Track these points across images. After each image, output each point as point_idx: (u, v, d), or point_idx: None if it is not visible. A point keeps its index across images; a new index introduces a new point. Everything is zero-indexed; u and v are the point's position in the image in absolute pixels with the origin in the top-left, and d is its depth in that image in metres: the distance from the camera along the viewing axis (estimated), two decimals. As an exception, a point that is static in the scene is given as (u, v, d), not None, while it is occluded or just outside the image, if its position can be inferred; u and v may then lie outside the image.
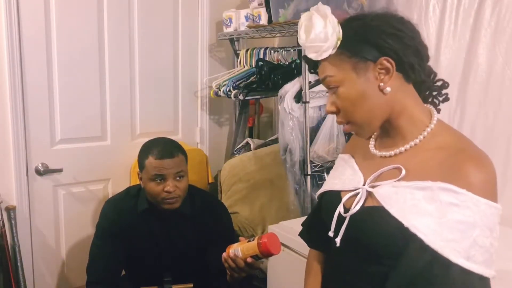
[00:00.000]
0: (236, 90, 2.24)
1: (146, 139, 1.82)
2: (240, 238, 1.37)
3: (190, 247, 1.79)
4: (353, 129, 0.97)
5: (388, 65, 0.89)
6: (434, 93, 1.01)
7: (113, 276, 1.78)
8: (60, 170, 2.15)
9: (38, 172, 2.11)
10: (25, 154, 2.06)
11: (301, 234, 1.21)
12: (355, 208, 0.93)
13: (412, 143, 0.93)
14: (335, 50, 0.91)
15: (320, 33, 0.91)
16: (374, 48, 0.90)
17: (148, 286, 1.71)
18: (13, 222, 2.04)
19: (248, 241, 1.29)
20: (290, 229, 1.65)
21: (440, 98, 1.01)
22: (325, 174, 2.05)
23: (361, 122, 0.94)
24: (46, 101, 2.10)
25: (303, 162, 1.98)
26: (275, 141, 2.37)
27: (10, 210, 2.04)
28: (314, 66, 0.99)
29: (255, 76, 2.27)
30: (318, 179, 2.04)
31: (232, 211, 2.23)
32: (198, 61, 2.56)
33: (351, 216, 0.94)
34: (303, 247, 1.20)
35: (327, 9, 0.91)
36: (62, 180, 2.19)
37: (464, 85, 2.05)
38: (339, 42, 0.91)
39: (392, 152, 0.95)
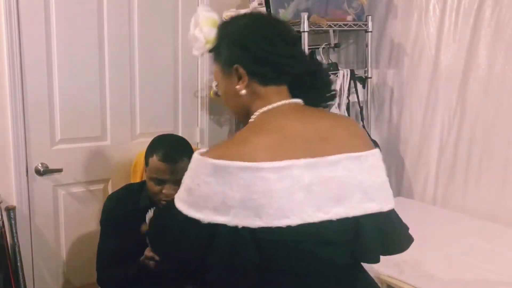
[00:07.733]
0: (236, 90, 2.24)
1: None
2: None
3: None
4: None
5: (240, 72, 1.00)
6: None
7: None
8: (60, 170, 2.15)
9: (38, 172, 2.11)
10: (25, 154, 2.06)
11: None
12: None
13: None
14: (204, 52, 1.08)
15: (193, 35, 1.10)
16: (227, 56, 1.03)
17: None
18: (13, 222, 2.04)
19: None
20: (290, 229, 1.65)
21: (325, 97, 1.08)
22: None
23: (233, 113, 1.11)
24: (46, 101, 2.10)
25: (303, 162, 1.98)
26: (275, 141, 2.36)
27: (10, 210, 2.04)
28: None
29: (255, 76, 2.27)
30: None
31: (232, 211, 2.23)
32: (198, 61, 2.56)
33: None
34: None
35: (200, 17, 1.15)
36: (62, 180, 2.19)
37: (464, 85, 2.05)
38: (208, 46, 1.07)
39: None
